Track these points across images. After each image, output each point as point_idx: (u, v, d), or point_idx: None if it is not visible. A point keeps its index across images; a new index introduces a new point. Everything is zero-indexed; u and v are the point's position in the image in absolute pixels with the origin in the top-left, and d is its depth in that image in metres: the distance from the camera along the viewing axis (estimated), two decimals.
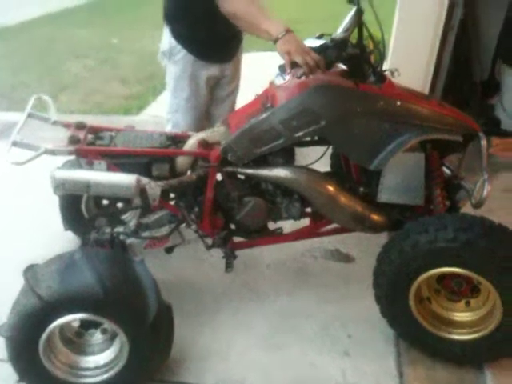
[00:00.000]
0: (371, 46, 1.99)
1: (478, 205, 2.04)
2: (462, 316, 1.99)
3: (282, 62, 1.88)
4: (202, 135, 2.12)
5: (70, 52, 6.38)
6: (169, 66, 2.42)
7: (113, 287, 1.68)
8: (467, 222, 1.82)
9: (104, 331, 1.87)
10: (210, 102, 2.59)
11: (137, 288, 1.75)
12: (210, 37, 2.32)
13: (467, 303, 1.99)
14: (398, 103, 1.91)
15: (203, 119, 2.56)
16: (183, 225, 2.16)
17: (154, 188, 1.95)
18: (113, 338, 1.85)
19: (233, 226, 2.24)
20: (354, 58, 1.87)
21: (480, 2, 3.82)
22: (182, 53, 2.34)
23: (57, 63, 6.10)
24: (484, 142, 2.01)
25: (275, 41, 1.81)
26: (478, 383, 1.95)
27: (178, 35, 2.33)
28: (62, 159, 2.16)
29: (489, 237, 1.76)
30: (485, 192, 1.99)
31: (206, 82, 2.44)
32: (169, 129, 2.50)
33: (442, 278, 1.95)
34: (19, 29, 7.98)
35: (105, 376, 1.82)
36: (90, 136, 2.11)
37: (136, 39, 6.86)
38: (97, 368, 1.84)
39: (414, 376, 1.99)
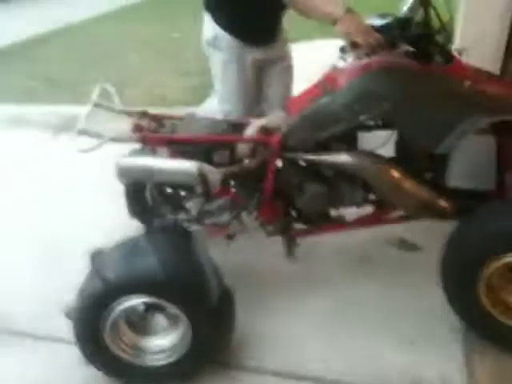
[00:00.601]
0: (438, 26, 1.91)
1: None
2: None
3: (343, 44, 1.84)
4: (262, 121, 2.11)
5: (132, 47, 6.54)
6: (214, 54, 2.41)
7: (175, 271, 1.72)
8: None
9: (168, 315, 1.90)
10: (260, 86, 2.55)
11: (199, 273, 1.78)
12: (253, 20, 2.29)
13: None
14: (467, 84, 1.82)
15: (254, 105, 2.54)
16: (244, 212, 2.16)
17: (215, 175, 1.96)
18: (177, 321, 1.88)
19: (294, 214, 2.22)
20: (419, 38, 1.80)
21: None
22: (226, 39, 2.33)
23: (120, 58, 6.27)
24: None
25: (335, 22, 1.77)
26: None
27: (220, 22, 2.32)
28: (126, 149, 2.21)
29: None
30: None
31: (253, 65, 2.41)
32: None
33: None
34: (85, 25, 8.27)
35: (170, 360, 1.85)
36: (153, 124, 2.15)
37: (196, 33, 6.93)
38: (162, 351, 1.88)
39: (481, 368, 1.91)
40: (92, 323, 1.76)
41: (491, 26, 3.13)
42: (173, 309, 1.77)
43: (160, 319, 1.93)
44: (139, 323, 1.93)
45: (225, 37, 2.34)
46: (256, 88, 2.52)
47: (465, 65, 1.91)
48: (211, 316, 1.76)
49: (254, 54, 2.40)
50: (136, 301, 1.75)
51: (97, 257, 1.82)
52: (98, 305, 1.73)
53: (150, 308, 1.85)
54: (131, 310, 1.84)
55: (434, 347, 2.00)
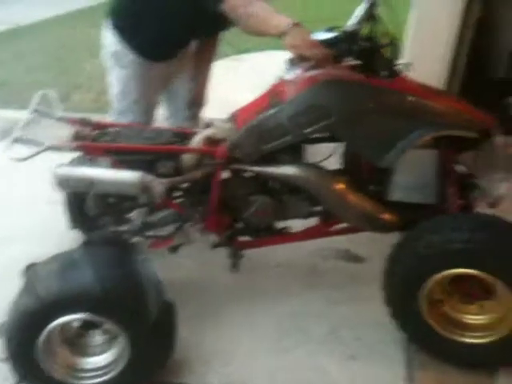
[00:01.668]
0: (385, 40, 1.92)
1: (493, 204, 1.97)
2: (475, 319, 1.92)
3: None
4: (208, 132, 2.07)
5: (83, 52, 6.38)
6: (115, 69, 2.37)
7: (113, 287, 1.65)
8: (483, 221, 1.76)
9: (105, 332, 1.83)
10: (163, 99, 2.58)
11: (139, 288, 1.71)
12: (159, 37, 2.27)
13: (481, 306, 1.91)
14: (411, 98, 1.84)
15: (152, 120, 2.54)
16: (188, 224, 2.11)
17: (158, 186, 1.90)
18: (114, 338, 1.81)
19: (239, 225, 2.19)
20: (365, 52, 1.81)
21: None
22: (130, 56, 2.30)
23: (71, 63, 6.11)
24: (500, 140, 1.93)
25: (283, 35, 1.76)
26: None
27: (124, 38, 2.28)
28: (69, 156, 2.13)
29: (504, 237, 1.70)
30: (500, 191, 1.92)
31: (156, 81, 2.41)
32: None
33: (455, 279, 1.87)
34: (36, 28, 8.03)
35: (105, 378, 1.78)
36: (94, 132, 2.08)
37: None
38: (97, 369, 1.81)
39: (424, 380, 1.93)
40: (24, 341, 1.67)
41: (437, 42, 3.22)
42: (110, 325, 1.70)
43: (97, 336, 1.86)
44: (75, 340, 1.85)
45: (128, 54, 2.30)
46: (155, 104, 2.53)
47: (409, 79, 1.94)
48: (150, 332, 1.70)
49: (157, 71, 2.39)
50: (71, 317, 1.66)
51: (30, 271, 1.74)
52: (30, 322, 1.64)
53: (86, 324, 1.78)
54: (66, 327, 1.77)
55: (377, 361, 2.00)
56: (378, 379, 1.93)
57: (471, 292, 1.90)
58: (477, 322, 1.91)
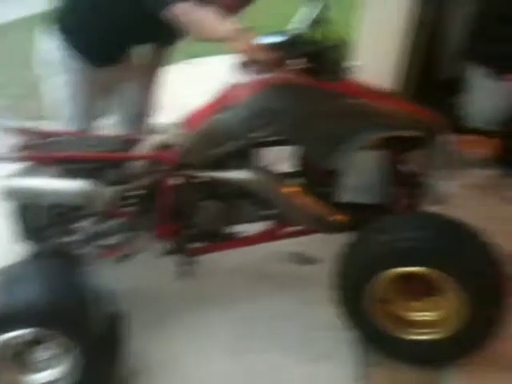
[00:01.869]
0: (333, 43, 1.94)
1: (440, 202, 2.01)
2: (423, 316, 1.95)
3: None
4: (158, 138, 2.05)
5: (28, 60, 6.25)
6: (59, 76, 2.32)
7: (59, 300, 1.61)
8: (426, 219, 1.80)
9: (52, 346, 1.77)
10: (112, 105, 2.55)
11: (86, 300, 1.68)
12: (103, 42, 2.23)
13: (428, 303, 1.94)
14: (358, 100, 1.87)
15: (99, 126, 2.51)
16: (139, 232, 2.09)
17: (104, 194, 1.87)
18: (62, 352, 1.75)
19: (191, 232, 2.17)
20: (313, 55, 1.83)
21: (444, 0, 3.83)
22: (75, 62, 2.26)
23: (19, 70, 5.95)
24: (446, 139, 1.98)
25: (230, 39, 1.76)
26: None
27: (68, 43, 2.25)
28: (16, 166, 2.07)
29: (448, 234, 1.73)
30: (447, 189, 1.96)
31: (101, 87, 2.38)
32: None
33: (402, 278, 1.89)
34: None
35: None
36: (41, 141, 2.03)
37: None
38: None
39: (378, 379, 1.95)
40: None
41: (388, 44, 3.28)
42: (57, 339, 1.66)
43: (44, 350, 1.80)
44: (21, 356, 1.78)
45: (73, 59, 2.26)
46: (102, 110, 2.49)
47: (357, 82, 1.96)
48: (98, 343, 1.67)
49: (103, 76, 2.35)
50: (18, 332, 1.62)
51: None
52: None
53: (32, 339, 1.72)
54: (12, 343, 1.70)
55: (330, 361, 2.02)
56: (332, 379, 1.95)
57: (417, 290, 1.92)
58: (424, 320, 1.94)
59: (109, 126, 2.71)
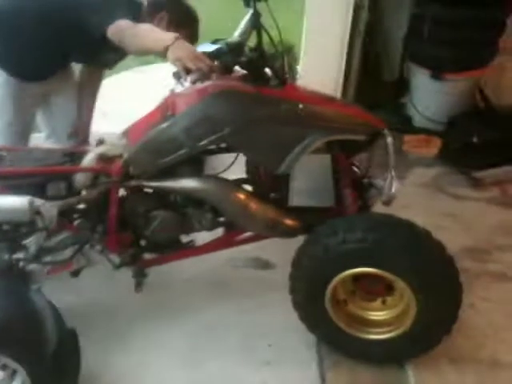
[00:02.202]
0: (274, 50, 1.95)
1: (387, 202, 2.04)
2: (379, 315, 1.99)
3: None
4: (101, 149, 2.01)
5: None
6: None
7: (5, 320, 1.55)
8: (375, 221, 1.83)
9: (3, 367, 1.70)
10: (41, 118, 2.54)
11: (34, 319, 1.62)
12: (31, 57, 2.23)
13: (383, 302, 1.98)
14: (300, 106, 1.88)
15: (27, 142, 2.47)
16: (88, 245, 2.03)
17: (49, 209, 1.81)
18: (13, 373, 1.68)
19: (142, 243, 2.13)
20: (252, 62, 1.83)
21: (386, 3, 3.92)
22: (3, 77, 2.23)
23: None
24: (389, 140, 2.01)
25: (166, 49, 1.74)
26: (401, 382, 1.95)
27: None
28: None
29: (397, 234, 1.76)
30: (393, 189, 2.00)
31: (32, 101, 2.36)
32: None
33: (356, 278, 1.93)
34: None
35: None
36: None
37: None
38: None
39: (336, 380, 1.97)
40: None
41: (329, 48, 3.34)
42: (6, 360, 1.59)
43: None
44: None
45: (1, 73, 2.23)
46: (31, 126, 2.46)
47: (299, 87, 1.98)
48: (50, 363, 1.60)
49: (33, 89, 2.33)
50: None
51: None
52: None
53: None
54: None
55: (290, 365, 2.02)
56: (291, 382, 1.96)
57: (373, 289, 1.96)
58: (381, 318, 1.98)
59: (39, 140, 2.66)
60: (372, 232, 1.75)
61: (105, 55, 2.35)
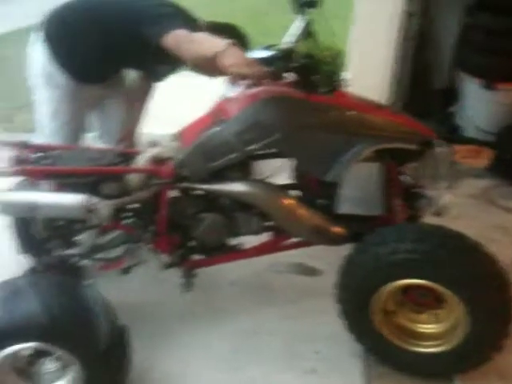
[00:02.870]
0: (324, 56, 1.95)
1: (438, 213, 2.01)
2: (428, 328, 1.95)
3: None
4: (154, 151, 2.05)
5: (25, 71, 6.26)
6: (46, 89, 2.36)
7: (60, 314, 1.60)
8: (425, 231, 1.79)
9: (57, 359, 1.76)
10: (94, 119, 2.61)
11: (86, 313, 1.66)
12: (93, 62, 2.30)
13: (433, 315, 1.94)
14: (351, 113, 1.88)
15: (81, 141, 2.55)
16: (139, 244, 2.08)
17: (103, 208, 1.86)
18: (67, 365, 1.74)
19: (191, 244, 2.16)
20: (302, 69, 1.83)
21: (437, 11, 3.87)
22: (63, 78, 2.30)
23: (13, 82, 5.95)
24: (441, 150, 1.99)
25: (220, 55, 1.77)
26: None
27: (60, 61, 2.28)
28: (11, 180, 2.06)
29: (448, 246, 1.72)
30: (444, 200, 1.97)
31: (87, 102, 2.44)
32: None
33: (406, 289, 1.89)
34: None
35: None
36: (35, 155, 2.02)
37: None
38: None
39: None
40: None
41: (378, 55, 3.30)
42: (61, 353, 1.65)
43: (49, 363, 1.79)
44: (26, 369, 1.77)
45: (61, 75, 2.29)
46: (85, 125, 2.54)
47: (350, 94, 1.97)
48: (103, 357, 1.65)
49: (90, 92, 2.40)
50: (20, 346, 1.61)
51: None
52: None
53: (37, 352, 1.72)
54: (16, 356, 1.70)
55: (335, 374, 2.00)
56: None
57: (422, 301, 1.92)
58: (430, 331, 1.94)
59: (91, 140, 2.73)
60: (422, 243, 1.72)
61: (158, 65, 2.41)
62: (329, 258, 2.54)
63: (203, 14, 2.32)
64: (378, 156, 1.97)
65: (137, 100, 2.62)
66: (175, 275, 2.18)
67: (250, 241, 2.22)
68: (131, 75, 2.60)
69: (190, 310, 2.31)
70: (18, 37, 7.91)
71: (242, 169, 2.02)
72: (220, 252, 2.18)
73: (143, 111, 2.67)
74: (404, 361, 1.95)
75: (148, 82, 2.60)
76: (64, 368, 1.76)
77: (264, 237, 2.21)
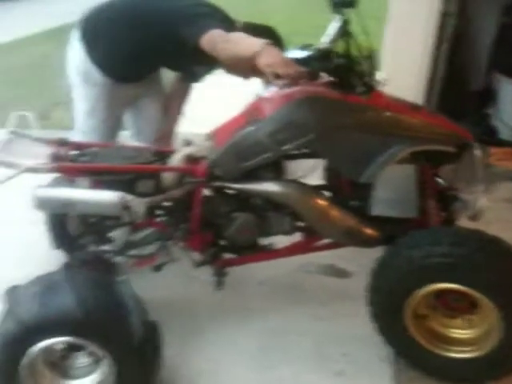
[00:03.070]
0: (360, 56, 1.94)
1: (474, 217, 1.98)
2: (461, 333, 1.92)
3: None
4: (188, 150, 2.07)
5: (63, 69, 6.38)
6: (83, 87, 2.40)
7: (94, 309, 1.61)
8: (462, 235, 1.76)
9: (90, 354, 1.79)
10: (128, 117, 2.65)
11: (120, 309, 1.68)
12: (131, 62, 2.34)
13: (466, 320, 1.91)
14: (387, 114, 1.86)
15: (116, 138, 2.60)
16: (171, 242, 2.10)
17: (138, 205, 1.88)
18: (99, 360, 1.77)
19: (222, 243, 2.17)
20: (339, 69, 1.83)
21: (474, 11, 3.80)
22: (100, 76, 2.34)
23: (51, 80, 6.06)
24: (477, 152, 1.95)
25: (257, 55, 1.78)
26: None
27: (97, 60, 2.32)
28: (48, 177, 2.10)
29: (484, 251, 1.69)
30: (480, 203, 1.93)
31: (123, 101, 2.48)
32: None
33: (439, 294, 1.87)
34: (13, 46, 7.98)
35: None
36: (72, 153, 2.06)
37: None
38: None
39: None
40: (6, 365, 1.63)
41: (413, 56, 3.27)
42: (94, 347, 1.67)
43: (81, 357, 1.82)
44: (59, 363, 1.81)
45: (98, 73, 2.33)
46: (120, 123, 2.60)
47: (386, 95, 1.95)
48: (135, 353, 1.67)
49: (125, 90, 2.44)
50: (54, 340, 1.64)
51: (11, 294, 1.70)
52: (12, 346, 1.61)
53: (70, 346, 1.75)
54: (49, 350, 1.73)
55: (364, 377, 1.99)
56: None
57: (456, 306, 1.89)
58: (463, 337, 1.91)
59: (124, 138, 2.77)
60: (458, 247, 1.69)
61: (194, 65, 2.44)
62: (359, 260, 2.53)
63: (237, 13, 2.34)
64: (413, 157, 1.95)
65: (174, 102, 2.65)
66: (206, 273, 2.20)
67: (280, 241, 2.22)
68: (169, 77, 2.63)
69: (220, 308, 2.33)
70: (58, 34, 8.12)
71: (274, 169, 2.02)
72: (251, 251, 2.19)
73: (180, 113, 2.69)
74: (435, 365, 1.92)
75: (185, 84, 2.63)
76: (96, 363, 1.79)
77: (295, 237, 2.20)
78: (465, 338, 1.90)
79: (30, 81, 6.12)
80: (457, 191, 2.08)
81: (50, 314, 1.60)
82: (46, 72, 6.43)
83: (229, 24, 2.18)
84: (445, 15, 3.34)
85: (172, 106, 2.65)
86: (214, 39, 1.96)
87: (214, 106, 3.79)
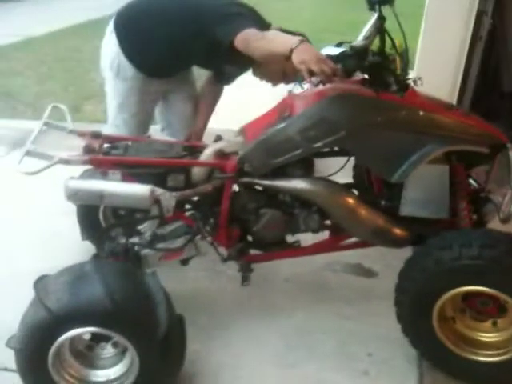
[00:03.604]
0: (395, 55, 1.92)
1: (506, 219, 1.94)
2: (488, 337, 1.89)
3: None
4: (218, 145, 2.08)
5: (94, 62, 6.46)
6: (115, 81, 2.43)
7: (122, 301, 1.64)
8: (493, 238, 1.73)
9: (115, 345, 1.83)
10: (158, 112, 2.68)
11: (147, 302, 1.70)
12: (164, 58, 2.36)
13: (494, 323, 1.88)
14: (421, 113, 1.84)
15: (147, 132, 2.61)
16: (199, 236, 2.11)
17: (168, 199, 1.90)
18: (124, 351, 1.81)
19: (250, 239, 2.18)
20: (374, 67, 1.81)
21: (508, 11, 3.71)
22: (131, 71, 2.36)
23: (82, 73, 6.17)
24: (510, 154, 1.92)
25: (291, 51, 1.78)
26: None
27: (129, 54, 2.35)
28: (80, 169, 2.14)
29: None
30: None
31: (154, 96, 2.50)
32: None
33: (467, 296, 1.85)
34: (45, 40, 8.12)
35: None
36: (105, 145, 2.09)
37: None
38: (108, 382, 1.80)
39: None
40: (35, 353, 1.66)
41: (448, 54, 3.21)
42: (120, 339, 1.69)
43: (107, 348, 1.86)
44: (85, 352, 1.84)
45: (131, 69, 2.36)
46: (151, 118, 2.63)
47: (420, 94, 1.93)
48: (160, 345, 1.68)
49: (157, 87, 2.47)
50: (81, 330, 1.66)
51: (41, 284, 1.73)
52: (41, 335, 1.64)
53: (96, 337, 1.78)
54: (76, 340, 1.77)
55: (389, 378, 1.98)
56: None
57: (484, 309, 1.87)
58: (490, 340, 1.88)
59: (156, 133, 2.79)
60: (489, 249, 1.67)
61: (226, 65, 2.44)
62: (386, 260, 2.52)
63: (267, 11, 2.35)
64: (446, 157, 1.92)
65: (205, 102, 2.66)
66: (232, 268, 2.21)
67: (305, 238, 2.21)
68: (201, 79, 2.65)
69: (245, 304, 2.34)
70: (91, 28, 8.26)
71: (303, 166, 2.02)
72: (278, 248, 2.19)
73: (211, 113, 2.70)
74: (460, 368, 1.90)
75: (217, 85, 2.64)
76: (121, 354, 1.82)
77: (322, 235, 2.20)
78: (492, 341, 1.88)
79: (61, 74, 6.23)
80: (489, 193, 2.05)
81: (80, 304, 1.63)
82: (77, 66, 6.55)
83: (262, 25, 2.18)
84: (481, 14, 3.28)
85: (203, 106, 2.66)
86: (248, 37, 1.97)
87: (245, 101, 3.81)
